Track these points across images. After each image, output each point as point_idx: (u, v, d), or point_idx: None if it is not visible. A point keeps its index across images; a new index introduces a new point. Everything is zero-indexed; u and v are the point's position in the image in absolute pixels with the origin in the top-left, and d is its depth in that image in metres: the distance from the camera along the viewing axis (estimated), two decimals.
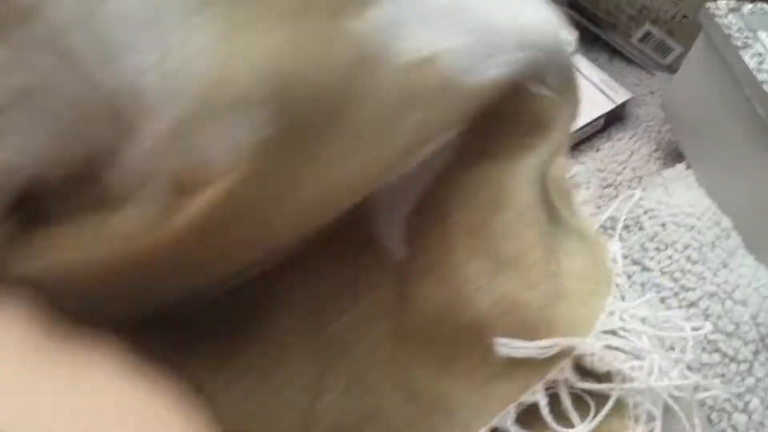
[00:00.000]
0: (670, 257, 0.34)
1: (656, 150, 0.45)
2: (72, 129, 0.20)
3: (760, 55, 0.36)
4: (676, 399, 0.25)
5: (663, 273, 0.34)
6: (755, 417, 0.30)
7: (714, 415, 0.30)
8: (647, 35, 0.50)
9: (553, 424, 0.24)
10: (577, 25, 0.51)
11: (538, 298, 0.25)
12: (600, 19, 0.52)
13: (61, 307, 0.20)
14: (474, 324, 0.25)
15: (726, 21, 0.38)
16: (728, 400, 0.30)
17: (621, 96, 0.47)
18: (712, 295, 0.32)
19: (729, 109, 0.38)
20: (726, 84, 0.37)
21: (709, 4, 0.39)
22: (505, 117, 0.27)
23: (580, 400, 0.25)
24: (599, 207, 0.40)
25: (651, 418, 0.24)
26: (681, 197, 0.36)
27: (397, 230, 0.28)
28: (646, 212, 0.37)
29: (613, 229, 0.36)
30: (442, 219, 0.27)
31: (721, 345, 0.31)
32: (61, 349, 0.20)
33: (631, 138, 0.46)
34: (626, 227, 0.37)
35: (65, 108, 0.19)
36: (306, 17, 0.21)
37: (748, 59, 0.36)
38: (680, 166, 0.41)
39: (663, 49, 0.51)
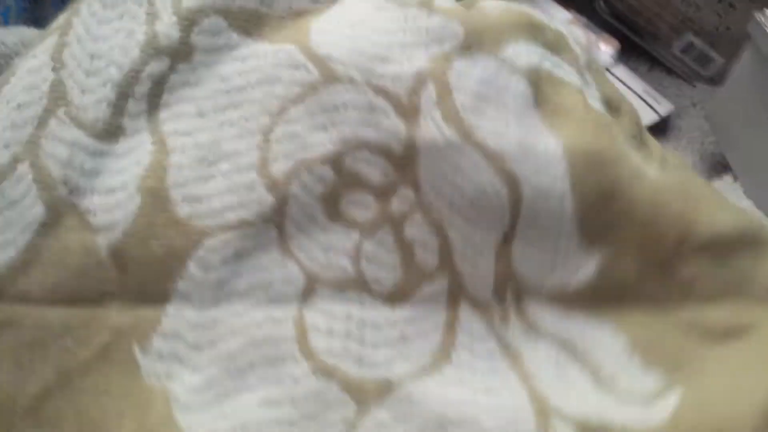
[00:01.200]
0: None
1: (699, 161, 0.45)
2: None
3: None
4: None
5: None
6: None
7: None
8: (689, 46, 0.50)
9: None
10: (618, 34, 0.51)
11: None
12: (641, 29, 0.52)
13: None
14: None
15: None
16: None
17: (664, 107, 0.46)
18: None
19: None
20: None
21: (757, 14, 0.39)
22: None
23: None
24: None
25: None
26: None
27: None
28: None
29: None
30: None
31: None
32: None
33: (674, 149, 0.45)
34: None
35: None
36: None
37: None
38: (727, 178, 0.41)
39: (704, 60, 0.50)
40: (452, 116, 0.28)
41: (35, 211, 0.27)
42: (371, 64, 0.29)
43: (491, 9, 0.31)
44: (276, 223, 0.28)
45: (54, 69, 0.29)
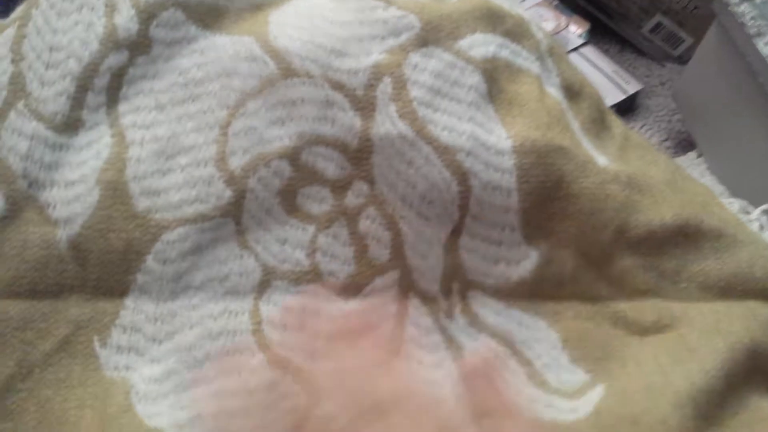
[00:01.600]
0: None
1: (666, 139, 0.46)
2: None
3: None
4: None
5: None
6: None
7: None
8: (658, 26, 0.51)
9: None
10: (588, 16, 0.52)
11: None
12: (611, 10, 0.52)
13: None
14: None
15: (740, 9, 0.38)
16: None
17: (632, 86, 0.47)
18: None
19: (742, 98, 0.38)
20: (739, 73, 0.38)
21: None
22: None
23: None
24: None
25: None
26: None
27: None
28: None
29: None
30: None
31: None
32: None
33: (641, 128, 0.46)
34: None
35: None
36: None
37: (762, 47, 0.36)
38: (691, 154, 0.41)
39: (673, 40, 0.51)
40: (407, 110, 0.29)
41: None
42: (328, 58, 0.29)
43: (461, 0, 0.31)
44: (234, 216, 0.28)
45: (13, 61, 0.29)
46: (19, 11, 0.30)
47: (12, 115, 0.28)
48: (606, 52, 0.50)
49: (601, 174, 0.30)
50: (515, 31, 0.31)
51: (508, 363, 0.29)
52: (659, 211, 0.30)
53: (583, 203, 0.29)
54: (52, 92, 0.29)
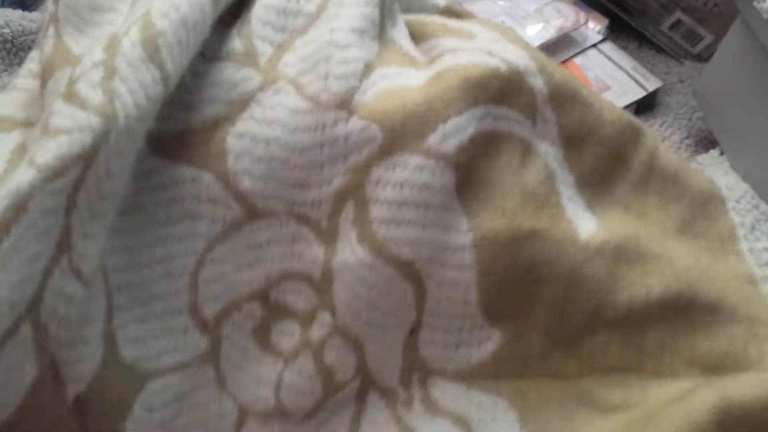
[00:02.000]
0: None
1: (687, 137, 0.45)
2: None
3: None
4: None
5: None
6: None
7: None
8: (677, 23, 0.50)
9: None
10: (607, 13, 0.51)
11: None
12: (630, 6, 0.52)
13: None
14: None
15: (764, 5, 0.37)
16: None
17: (652, 84, 0.47)
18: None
19: (765, 95, 0.37)
20: (763, 70, 0.37)
21: None
22: None
23: None
24: None
25: None
26: (718, 182, 0.36)
27: None
28: None
29: None
30: None
31: None
32: None
33: (661, 125, 0.46)
34: None
35: None
36: None
37: None
38: (714, 152, 0.41)
39: (693, 38, 0.50)
40: (366, 234, 0.28)
41: (29, 372, 0.24)
42: (291, 193, 0.28)
43: (432, 81, 0.29)
44: (212, 362, 0.29)
45: (66, 210, 0.25)
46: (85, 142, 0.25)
47: (56, 273, 0.24)
48: (624, 48, 0.50)
49: (580, 253, 0.28)
50: (504, 91, 0.29)
51: None
52: (646, 285, 0.29)
53: (554, 288, 0.29)
54: (93, 246, 0.26)
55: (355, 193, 0.28)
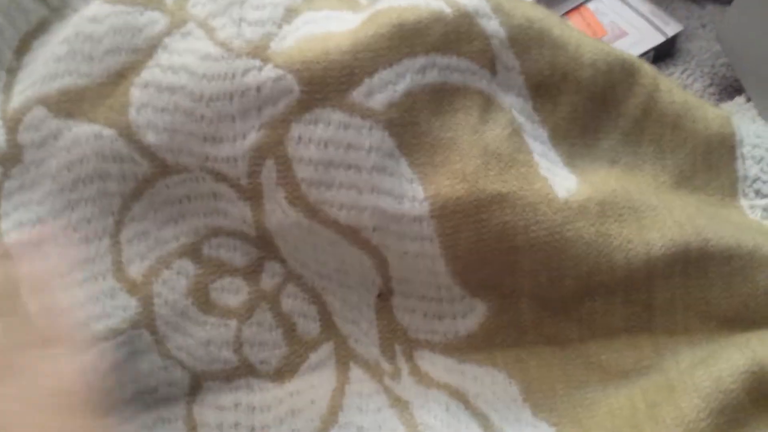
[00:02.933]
0: None
1: (710, 85, 0.42)
2: None
3: None
4: None
5: None
6: None
7: None
8: None
9: None
10: None
11: None
12: None
13: None
14: None
15: None
16: None
17: (672, 28, 0.43)
18: None
19: None
20: None
21: None
22: None
23: None
24: None
25: None
26: (746, 129, 0.33)
27: None
28: None
29: None
30: None
31: None
32: None
33: (683, 73, 0.43)
34: None
35: None
36: None
37: None
38: (739, 99, 0.38)
39: None
40: (295, 195, 0.25)
41: None
42: (201, 147, 0.26)
43: (362, 26, 0.26)
44: (147, 326, 0.27)
45: None
46: None
47: None
48: None
49: (559, 214, 0.25)
50: (449, 37, 0.26)
51: (461, 416, 0.26)
52: (645, 242, 0.26)
53: (534, 256, 0.26)
54: None
55: (275, 150, 0.25)
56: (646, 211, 0.27)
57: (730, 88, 0.42)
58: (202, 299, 0.28)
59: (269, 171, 0.26)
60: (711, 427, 0.23)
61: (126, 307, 0.27)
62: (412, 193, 0.25)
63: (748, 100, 0.38)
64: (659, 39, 0.43)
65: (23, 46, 0.29)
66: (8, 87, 0.29)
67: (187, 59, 0.26)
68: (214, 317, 0.28)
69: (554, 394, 0.27)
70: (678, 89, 0.31)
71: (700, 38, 0.45)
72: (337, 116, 0.25)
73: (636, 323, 0.27)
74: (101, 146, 0.27)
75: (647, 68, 0.30)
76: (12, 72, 0.29)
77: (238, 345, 0.28)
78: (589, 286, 0.26)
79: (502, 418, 0.26)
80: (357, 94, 0.25)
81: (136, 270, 0.27)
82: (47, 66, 0.27)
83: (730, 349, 0.25)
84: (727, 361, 0.24)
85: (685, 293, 0.26)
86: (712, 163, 0.30)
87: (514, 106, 0.27)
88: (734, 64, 0.41)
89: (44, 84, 0.27)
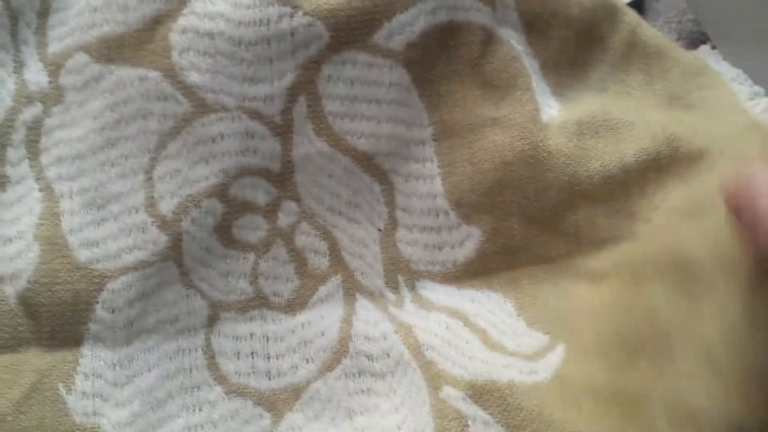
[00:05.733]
0: None
1: (678, 39, 0.44)
2: None
3: None
4: None
5: None
6: None
7: None
8: None
9: None
10: None
11: None
12: None
13: None
14: None
15: None
16: None
17: None
18: None
19: None
20: None
21: None
22: None
23: None
24: None
25: None
26: (716, 67, 0.35)
27: None
28: None
29: None
30: None
31: None
32: None
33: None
34: None
35: None
36: None
37: None
38: (705, 47, 0.40)
39: None
40: (323, 127, 0.29)
41: None
42: (240, 87, 0.28)
43: None
44: (174, 259, 0.29)
45: None
46: None
47: None
48: None
49: (541, 131, 0.29)
50: None
51: (461, 333, 0.28)
52: (618, 151, 0.29)
53: (519, 170, 0.29)
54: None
55: (307, 88, 0.29)
56: (623, 127, 0.29)
57: (697, 42, 0.44)
58: (226, 235, 0.29)
59: (301, 107, 0.29)
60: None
61: (156, 241, 0.28)
62: (420, 120, 0.29)
63: (713, 47, 0.40)
64: None
65: None
66: (41, 29, 0.30)
67: (221, 7, 0.28)
68: (235, 251, 0.30)
69: (546, 306, 0.29)
70: (656, 30, 0.33)
71: None
72: (362, 57, 0.28)
73: (620, 233, 0.29)
74: (147, 87, 0.28)
75: (628, 9, 0.33)
76: (43, 15, 0.30)
77: (254, 277, 0.30)
78: (572, 197, 0.29)
79: (499, 332, 0.28)
80: (378, 37, 0.28)
81: (166, 207, 0.28)
82: (83, 16, 0.29)
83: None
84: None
85: (661, 198, 0.29)
86: (705, 83, 0.33)
87: (512, 37, 0.30)
88: (700, 16, 0.43)
89: (83, 33, 0.29)
